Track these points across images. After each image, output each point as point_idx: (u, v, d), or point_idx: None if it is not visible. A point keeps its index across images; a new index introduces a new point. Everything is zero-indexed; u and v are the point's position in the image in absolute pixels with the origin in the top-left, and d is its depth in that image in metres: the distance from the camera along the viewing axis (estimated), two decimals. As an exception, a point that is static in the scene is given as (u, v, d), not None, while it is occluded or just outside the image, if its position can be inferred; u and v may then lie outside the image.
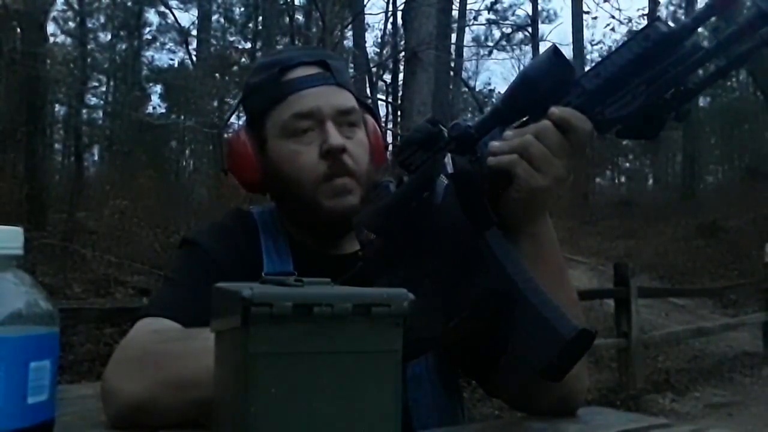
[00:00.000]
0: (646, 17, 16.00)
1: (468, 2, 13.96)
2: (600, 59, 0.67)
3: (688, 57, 0.60)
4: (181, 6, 14.87)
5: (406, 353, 0.57)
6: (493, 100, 18.55)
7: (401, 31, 7.79)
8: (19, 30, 8.43)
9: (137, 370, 0.72)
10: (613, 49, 0.66)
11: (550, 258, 0.75)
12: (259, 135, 0.93)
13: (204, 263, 0.89)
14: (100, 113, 15.75)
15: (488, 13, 14.78)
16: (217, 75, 12.29)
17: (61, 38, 14.38)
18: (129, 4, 14.84)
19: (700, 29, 0.63)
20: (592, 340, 0.60)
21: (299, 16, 10.92)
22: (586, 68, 0.69)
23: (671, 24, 0.62)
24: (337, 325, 0.40)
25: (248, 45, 15.07)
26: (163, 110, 17.55)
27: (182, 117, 13.59)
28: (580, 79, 0.67)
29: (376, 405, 0.41)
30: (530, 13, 17.92)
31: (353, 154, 0.90)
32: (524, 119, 0.71)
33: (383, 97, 11.95)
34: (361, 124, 0.95)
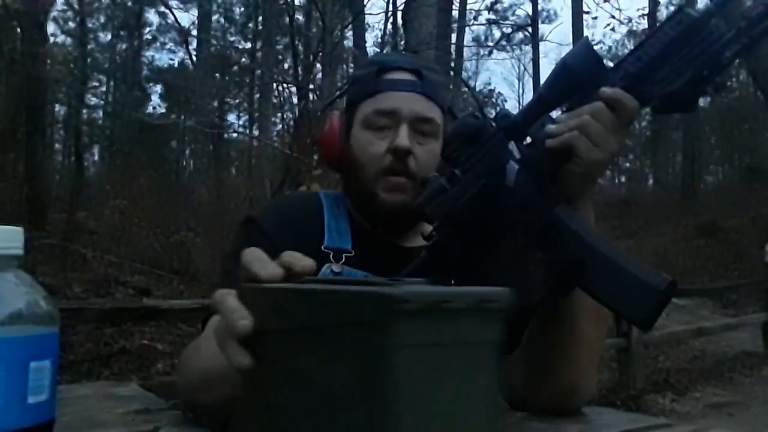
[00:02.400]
0: (646, 17, 16.03)
1: (468, 2, 13.95)
2: (638, 45, 0.74)
3: (721, 36, 0.68)
4: (181, 6, 14.86)
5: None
6: (494, 99, 18.57)
7: (401, 31, 7.79)
8: (19, 30, 8.43)
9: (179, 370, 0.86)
10: (650, 34, 0.73)
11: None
12: (348, 121, 1.02)
13: (259, 239, 0.92)
14: (100, 113, 15.76)
15: (488, 13, 14.74)
16: (217, 75, 12.31)
17: (61, 38, 14.40)
18: (129, 4, 14.84)
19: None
20: (676, 288, 0.68)
21: (299, 16, 10.91)
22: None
23: (698, 8, 0.70)
24: (460, 319, 0.43)
25: (248, 45, 15.08)
26: (163, 110, 17.57)
27: (182, 117, 13.60)
28: (621, 63, 0.74)
29: (490, 394, 0.45)
30: (530, 13, 17.94)
31: (419, 159, 0.96)
32: (568, 105, 0.77)
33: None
34: (439, 136, 1.00)
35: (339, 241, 0.97)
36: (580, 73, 0.73)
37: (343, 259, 0.95)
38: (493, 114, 0.79)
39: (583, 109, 0.74)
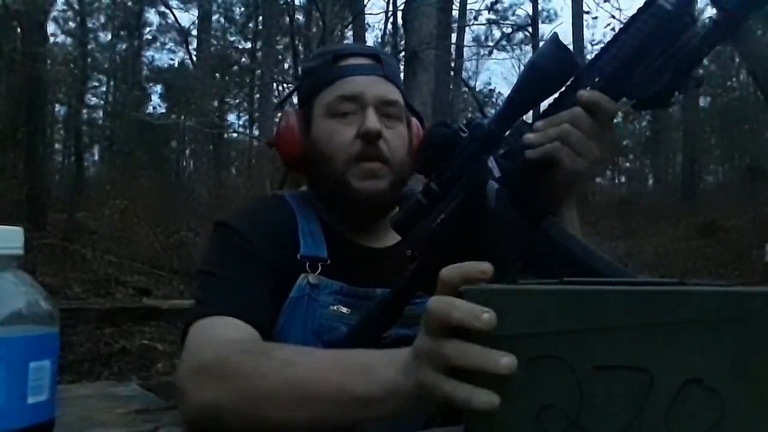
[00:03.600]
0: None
1: (468, 2, 13.96)
2: (609, 42, 0.70)
3: (698, 29, 0.65)
4: (181, 6, 14.88)
5: None
6: (494, 99, 18.57)
7: (401, 31, 7.79)
8: (19, 30, 8.43)
9: (211, 378, 0.71)
10: (621, 30, 0.69)
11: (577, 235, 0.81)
12: (306, 115, 0.97)
13: (240, 246, 0.90)
14: (100, 113, 15.76)
15: (488, 13, 14.77)
16: (217, 75, 12.30)
17: (61, 38, 14.41)
18: (129, 4, 14.83)
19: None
20: None
21: (299, 16, 10.92)
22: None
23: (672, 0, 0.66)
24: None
25: (248, 45, 15.08)
26: (163, 110, 17.56)
27: (182, 117, 13.59)
28: (596, 62, 0.70)
29: None
30: (530, 13, 17.92)
31: (389, 143, 0.93)
32: (544, 109, 0.74)
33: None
34: (404, 120, 0.98)
35: (314, 248, 0.93)
36: (551, 73, 0.70)
37: (320, 268, 0.91)
38: (466, 121, 0.76)
39: (562, 116, 0.70)
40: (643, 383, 0.46)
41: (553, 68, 0.70)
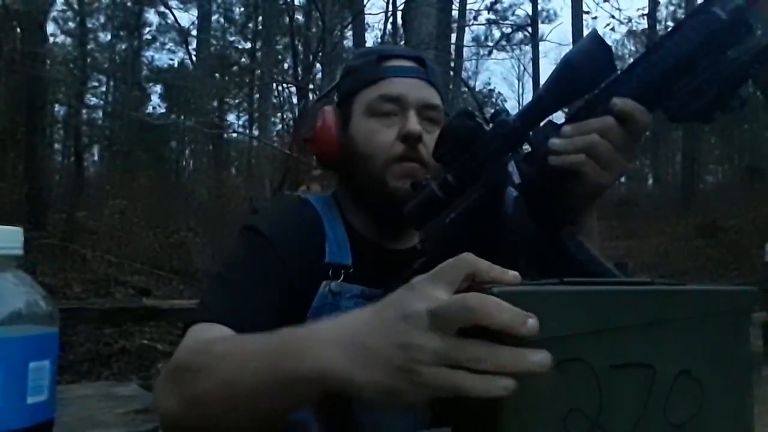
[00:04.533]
0: (646, 17, 16.02)
1: (468, 2, 13.95)
2: (654, 46, 0.63)
3: (750, 45, 0.59)
4: (181, 6, 14.86)
5: None
6: (493, 99, 18.56)
7: (401, 31, 7.79)
8: (19, 30, 8.43)
9: (172, 384, 0.68)
10: (666, 35, 0.63)
11: (595, 244, 0.78)
12: (344, 113, 0.97)
13: (261, 252, 0.88)
14: (100, 113, 15.73)
15: (488, 13, 14.74)
16: (217, 75, 12.29)
17: (61, 38, 14.40)
18: (129, 4, 14.83)
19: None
20: None
21: (299, 16, 10.91)
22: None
23: (727, 7, 0.59)
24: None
25: (248, 45, 15.08)
26: (163, 110, 17.56)
27: (182, 117, 13.58)
28: (634, 67, 0.64)
29: None
30: (530, 13, 17.92)
31: (428, 146, 0.91)
32: (574, 111, 0.69)
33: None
34: (442, 125, 0.97)
35: (339, 255, 0.92)
36: (585, 75, 0.65)
37: (342, 276, 0.90)
38: (491, 113, 0.73)
39: (592, 124, 0.65)
40: (648, 378, 0.48)
41: (588, 69, 0.64)
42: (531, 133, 0.71)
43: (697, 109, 0.61)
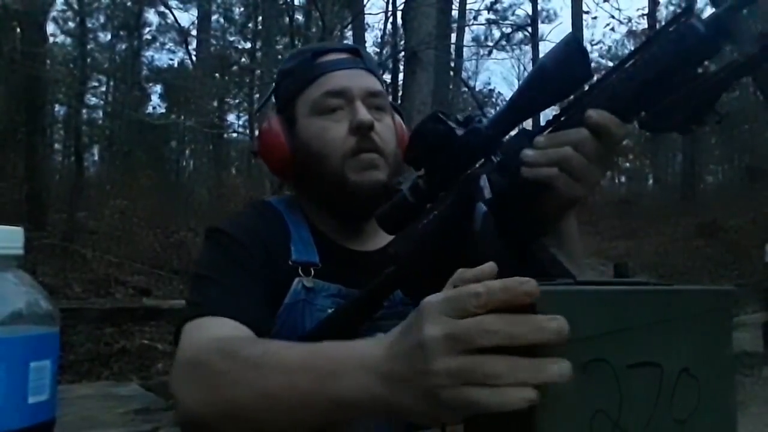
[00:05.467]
0: (645, 17, 16.01)
1: (468, 2, 13.96)
2: (629, 56, 0.61)
3: (728, 60, 0.56)
4: (181, 6, 14.86)
5: None
6: (493, 99, 18.56)
7: (401, 31, 7.79)
8: (19, 30, 8.43)
9: (193, 383, 0.69)
10: (642, 45, 0.60)
11: (573, 252, 0.78)
12: (289, 117, 0.95)
13: (233, 251, 0.89)
14: (100, 113, 15.73)
15: (488, 12, 14.78)
16: (217, 75, 12.29)
17: (61, 38, 14.40)
18: (129, 4, 14.83)
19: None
20: None
21: (299, 16, 10.93)
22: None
23: (705, 19, 0.56)
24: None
25: (248, 45, 15.07)
26: (163, 110, 17.55)
27: (182, 117, 13.58)
28: (609, 78, 0.62)
29: None
30: (530, 13, 17.92)
31: (381, 134, 0.92)
32: (549, 120, 0.68)
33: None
34: (389, 111, 0.97)
35: (306, 254, 0.92)
36: (560, 81, 0.62)
37: (312, 273, 0.90)
38: (464, 117, 0.71)
39: (565, 136, 0.63)
40: (657, 377, 0.49)
41: (563, 75, 0.62)
42: (503, 141, 0.69)
43: (672, 123, 0.59)
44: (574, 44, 0.62)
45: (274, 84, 1.04)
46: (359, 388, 0.52)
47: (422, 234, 0.73)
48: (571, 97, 0.65)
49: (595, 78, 0.64)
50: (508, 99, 0.69)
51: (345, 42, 1.01)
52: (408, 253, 0.75)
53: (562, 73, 0.62)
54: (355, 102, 0.92)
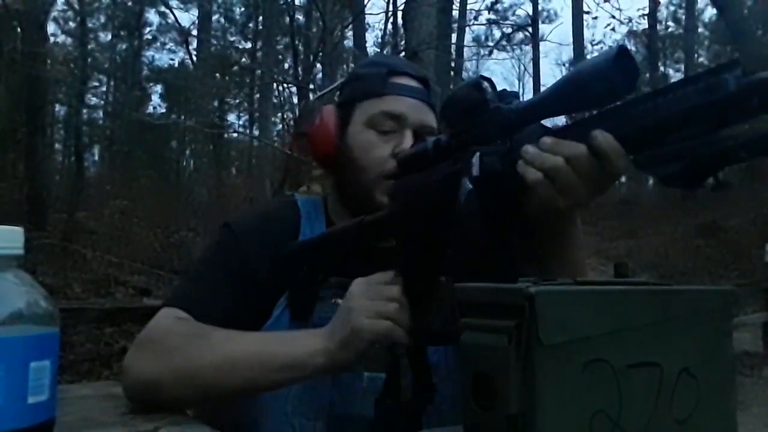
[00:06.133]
0: (646, 17, 16.01)
1: (468, 2, 13.95)
2: (656, 92, 0.57)
3: (746, 131, 0.53)
4: (181, 6, 14.86)
5: (428, 340, 0.79)
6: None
7: (401, 31, 7.80)
8: (19, 30, 8.43)
9: (151, 353, 0.82)
10: (677, 84, 0.56)
11: (573, 260, 0.76)
12: (344, 116, 0.99)
13: (230, 251, 0.95)
14: (100, 113, 15.73)
15: (488, 13, 14.75)
16: (217, 75, 12.28)
17: (61, 38, 14.40)
18: (129, 4, 14.83)
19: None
20: None
21: (299, 16, 10.92)
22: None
23: (741, 77, 0.51)
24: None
25: (248, 45, 15.07)
26: (163, 110, 17.56)
27: (182, 117, 13.59)
28: (632, 105, 0.59)
29: None
30: (530, 13, 17.93)
31: None
32: (565, 125, 0.67)
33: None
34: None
35: None
36: (594, 91, 0.59)
37: None
38: (500, 92, 0.69)
39: (563, 147, 0.63)
40: (656, 377, 0.49)
41: (599, 87, 0.58)
42: (522, 128, 0.68)
43: (665, 172, 0.56)
44: (624, 60, 0.57)
45: (343, 78, 1.08)
46: (313, 345, 0.75)
47: (416, 185, 0.77)
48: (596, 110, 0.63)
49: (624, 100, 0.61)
50: (539, 93, 0.67)
51: (419, 67, 1.02)
52: (398, 202, 0.79)
53: (598, 86, 0.59)
54: (406, 130, 0.95)
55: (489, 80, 0.70)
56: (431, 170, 0.75)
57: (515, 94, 0.69)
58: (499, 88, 0.70)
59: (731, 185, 0.57)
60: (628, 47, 0.58)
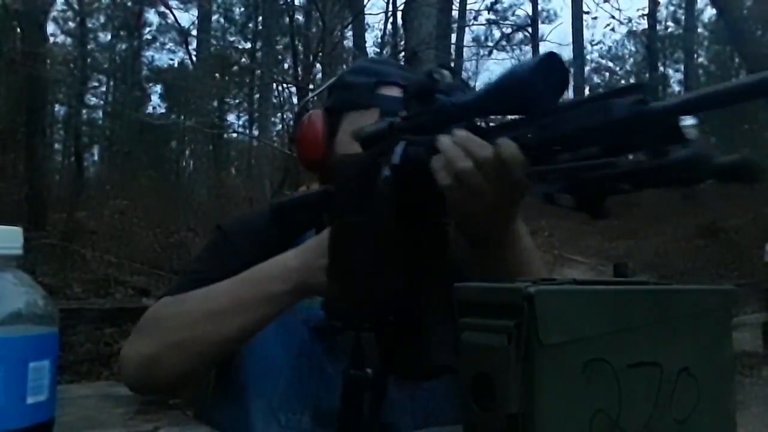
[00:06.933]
0: (645, 17, 16.02)
1: (468, 2, 13.96)
2: (571, 105, 0.56)
3: (634, 163, 0.51)
4: (181, 6, 14.86)
5: (426, 375, 0.72)
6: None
7: (401, 31, 7.80)
8: (18, 30, 8.43)
9: (143, 334, 0.85)
10: (585, 98, 0.55)
11: (510, 262, 0.74)
12: (332, 123, 0.98)
13: (222, 251, 0.97)
14: (100, 113, 15.73)
15: (488, 13, 14.79)
16: (217, 75, 12.28)
17: (61, 38, 14.38)
18: (129, 4, 14.83)
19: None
20: None
21: (299, 16, 10.90)
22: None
23: (635, 104, 0.49)
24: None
25: (248, 45, 15.07)
26: (163, 110, 17.55)
27: (182, 117, 13.58)
28: (547, 113, 0.57)
29: None
30: (530, 13, 17.94)
31: None
32: (490, 126, 0.65)
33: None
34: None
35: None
36: (514, 99, 0.58)
37: None
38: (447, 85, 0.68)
39: (476, 147, 0.62)
40: (656, 377, 0.49)
41: (524, 94, 0.57)
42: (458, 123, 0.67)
43: (546, 192, 0.54)
44: (554, 65, 0.56)
45: (331, 84, 1.06)
46: (286, 280, 0.77)
47: (347, 163, 0.77)
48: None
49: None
50: (482, 87, 0.66)
51: (403, 71, 1.00)
52: (339, 178, 0.78)
53: (524, 94, 0.57)
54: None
55: (451, 69, 0.69)
56: (370, 151, 0.74)
57: (456, 88, 0.68)
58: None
59: (610, 215, 0.53)
60: (557, 54, 0.57)
